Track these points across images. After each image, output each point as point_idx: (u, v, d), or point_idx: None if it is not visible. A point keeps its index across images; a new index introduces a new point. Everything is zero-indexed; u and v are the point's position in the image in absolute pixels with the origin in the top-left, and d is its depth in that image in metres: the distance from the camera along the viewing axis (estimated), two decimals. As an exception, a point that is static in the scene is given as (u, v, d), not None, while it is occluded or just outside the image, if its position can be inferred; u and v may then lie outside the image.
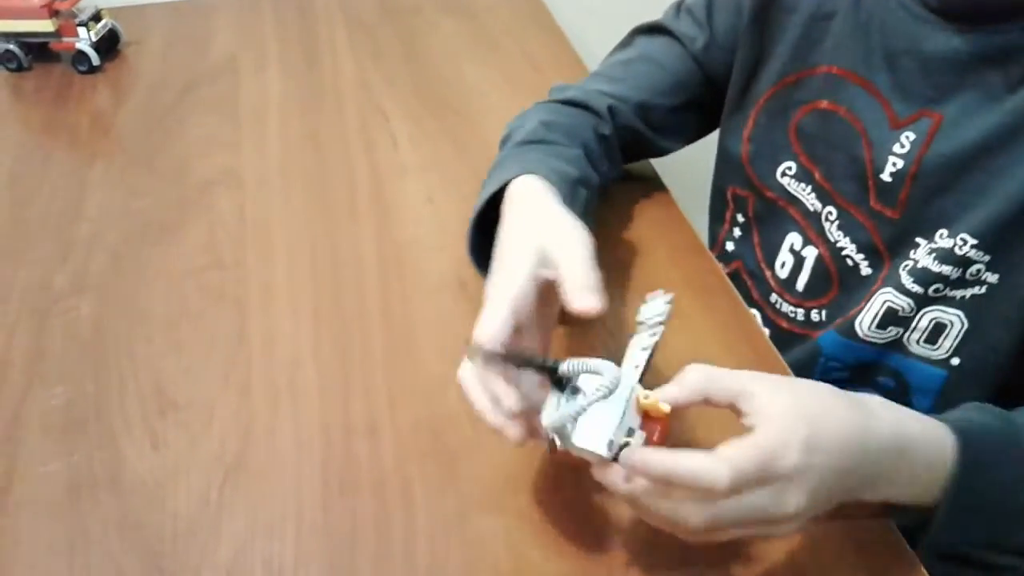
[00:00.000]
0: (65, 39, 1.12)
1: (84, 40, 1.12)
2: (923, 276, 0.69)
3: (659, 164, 0.95)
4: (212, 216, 0.89)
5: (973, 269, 0.67)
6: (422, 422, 0.67)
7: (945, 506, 0.53)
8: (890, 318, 0.72)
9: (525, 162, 0.72)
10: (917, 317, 0.71)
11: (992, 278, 0.67)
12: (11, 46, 1.13)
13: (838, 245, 0.76)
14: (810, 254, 0.80)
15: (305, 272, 0.82)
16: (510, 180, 0.70)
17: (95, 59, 1.13)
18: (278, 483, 0.63)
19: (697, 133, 0.92)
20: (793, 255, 0.81)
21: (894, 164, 0.70)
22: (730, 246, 0.90)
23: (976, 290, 0.68)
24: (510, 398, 0.53)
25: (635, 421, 0.53)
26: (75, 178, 0.95)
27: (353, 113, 1.06)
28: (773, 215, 0.83)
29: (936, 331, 0.71)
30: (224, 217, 0.89)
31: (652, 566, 0.58)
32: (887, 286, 0.72)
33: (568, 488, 0.62)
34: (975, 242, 0.66)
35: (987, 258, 0.66)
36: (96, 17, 1.14)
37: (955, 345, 0.71)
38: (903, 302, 0.71)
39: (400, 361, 0.72)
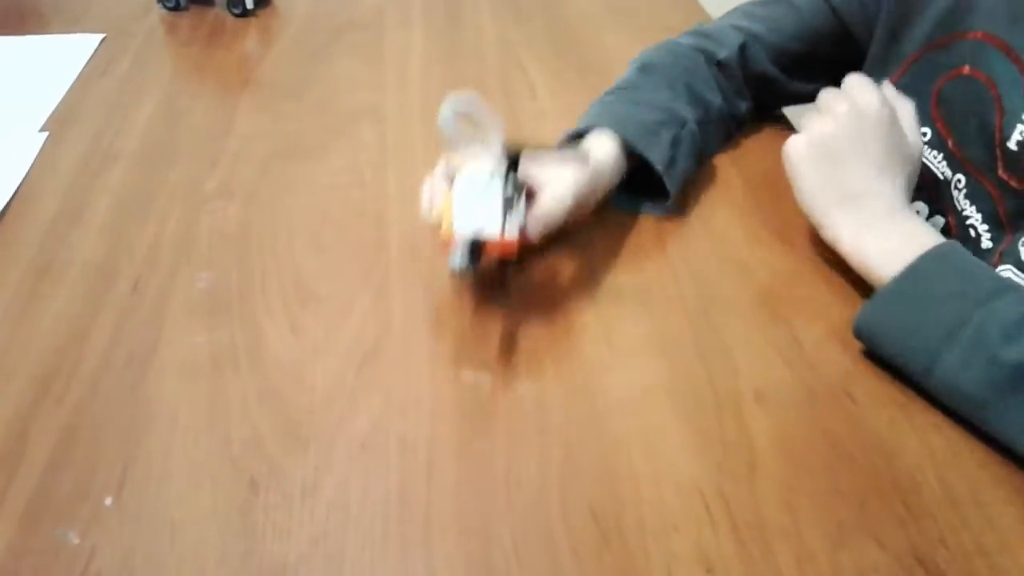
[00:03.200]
0: (223, -19, 1.17)
1: (241, -17, 1.16)
2: None
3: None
4: (355, 142, 0.91)
5: None
6: (558, 338, 0.67)
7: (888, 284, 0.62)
8: None
9: (601, 115, 0.79)
10: None
11: None
12: (171, -15, 1.18)
13: (964, 214, 0.73)
14: (937, 223, 0.77)
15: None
16: (586, 131, 0.78)
17: (249, 2, 1.17)
18: (413, 373, 0.63)
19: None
20: None
21: (1021, 132, 0.67)
22: None
23: None
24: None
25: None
26: (226, 103, 0.98)
27: (493, 65, 1.07)
28: None
29: None
30: (367, 144, 0.90)
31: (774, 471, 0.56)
32: (1006, 263, 0.68)
33: (702, 393, 0.61)
34: None
35: None
36: (252, -37, 1.18)
37: None
38: (1022, 281, 0.67)
39: (535, 283, 0.72)
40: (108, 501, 0.54)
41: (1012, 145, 0.67)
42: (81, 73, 1.05)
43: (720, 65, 0.85)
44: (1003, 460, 0.57)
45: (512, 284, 0.71)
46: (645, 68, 0.84)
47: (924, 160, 0.77)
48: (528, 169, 0.67)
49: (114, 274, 0.73)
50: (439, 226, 0.63)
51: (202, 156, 0.88)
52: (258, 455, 0.57)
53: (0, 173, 0.85)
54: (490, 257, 0.64)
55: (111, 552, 0.52)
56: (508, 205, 0.62)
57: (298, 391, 0.62)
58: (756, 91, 0.88)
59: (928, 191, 0.77)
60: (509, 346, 0.66)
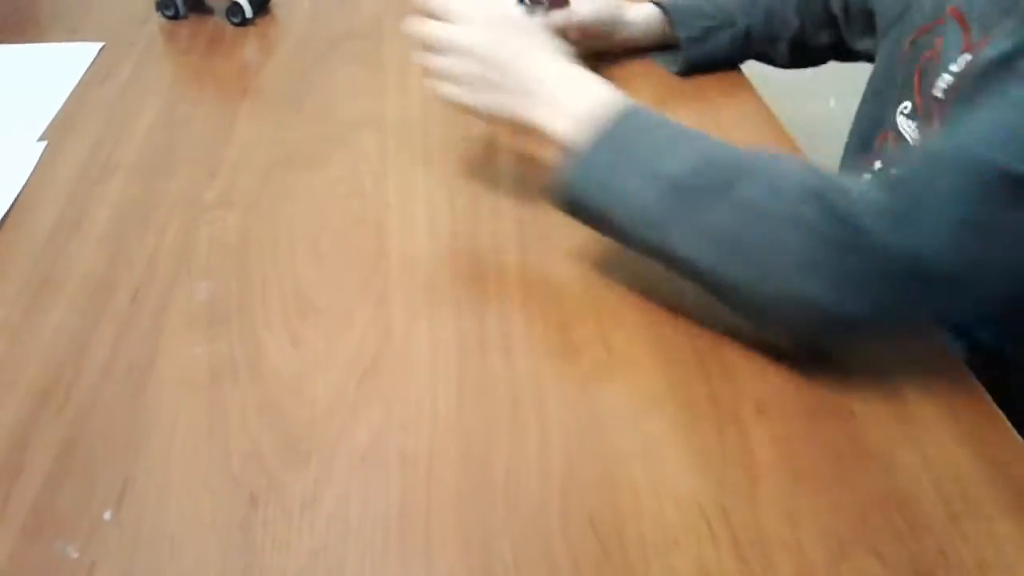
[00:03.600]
0: (222, -11, 1.17)
1: (240, -9, 1.16)
2: None
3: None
4: (355, 151, 0.91)
5: None
6: (557, 347, 0.67)
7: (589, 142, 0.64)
8: None
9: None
10: None
11: None
12: (171, -6, 1.18)
13: None
14: None
15: (444, 205, 0.82)
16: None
17: (248, 11, 1.17)
18: (415, 385, 0.63)
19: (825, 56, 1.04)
20: None
21: (945, 81, 0.70)
22: None
23: None
24: None
25: None
26: (225, 112, 0.98)
27: (493, 74, 1.07)
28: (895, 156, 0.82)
29: None
30: (367, 153, 0.90)
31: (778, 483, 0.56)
32: None
33: (703, 405, 0.61)
34: None
35: None
36: (252, -28, 1.18)
37: None
38: None
39: (534, 293, 0.72)
40: (107, 515, 0.54)
41: (938, 93, 0.71)
42: (80, 82, 1.05)
43: None
44: (1004, 474, 0.57)
45: (512, 289, 0.72)
46: None
47: (903, 130, 0.80)
48: None
49: (113, 285, 0.72)
50: None
51: (201, 165, 0.88)
52: (258, 468, 0.57)
53: (-1, 182, 0.85)
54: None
55: (110, 567, 0.51)
56: None
57: (298, 404, 0.62)
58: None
59: None
60: (508, 357, 0.66)
